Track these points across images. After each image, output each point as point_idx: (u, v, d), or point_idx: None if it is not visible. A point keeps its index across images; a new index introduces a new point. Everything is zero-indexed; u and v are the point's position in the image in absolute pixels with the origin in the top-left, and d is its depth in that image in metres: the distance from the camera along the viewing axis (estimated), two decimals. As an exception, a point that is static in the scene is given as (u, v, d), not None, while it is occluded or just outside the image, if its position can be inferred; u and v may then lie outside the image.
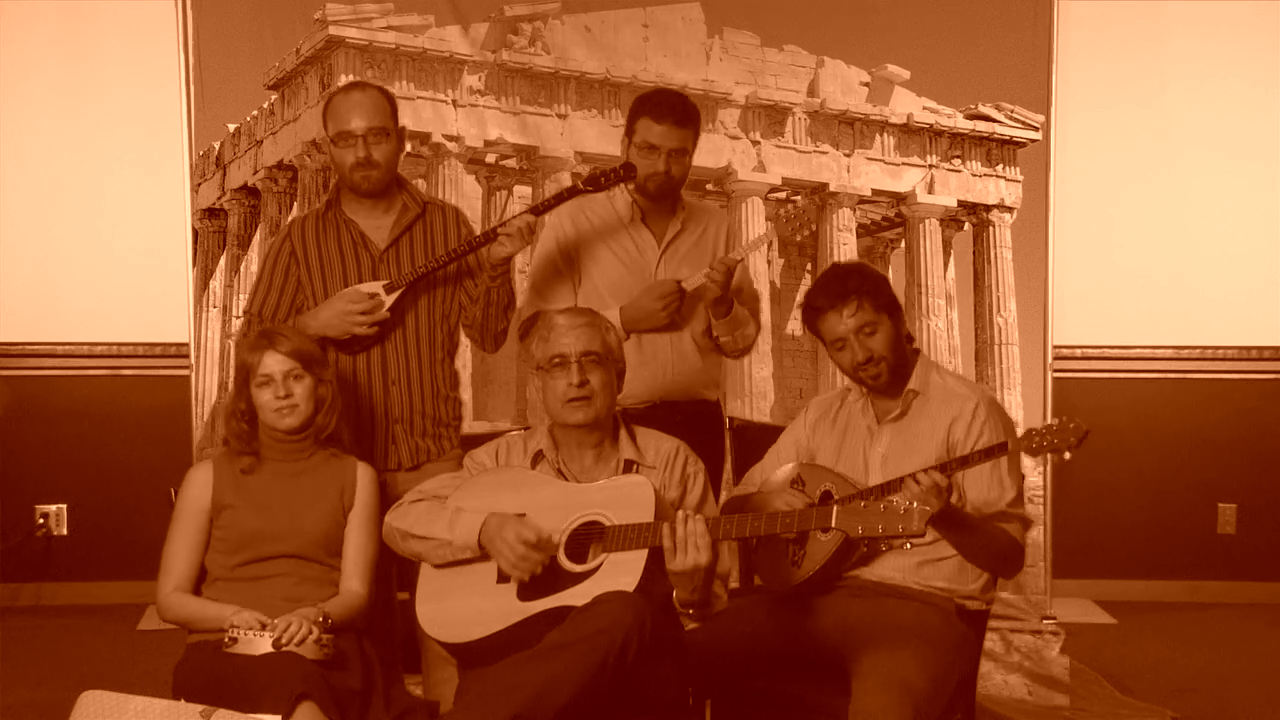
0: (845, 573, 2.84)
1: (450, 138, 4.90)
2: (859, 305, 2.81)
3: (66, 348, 5.00)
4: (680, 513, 2.53)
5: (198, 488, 2.85)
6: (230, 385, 2.91)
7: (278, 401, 2.80)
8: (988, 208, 5.15)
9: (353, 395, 3.09)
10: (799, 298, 5.26)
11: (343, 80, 4.72)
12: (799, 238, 5.10)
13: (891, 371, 2.85)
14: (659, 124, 3.22)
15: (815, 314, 2.86)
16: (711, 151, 4.92)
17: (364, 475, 2.90)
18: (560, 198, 3.19)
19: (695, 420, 3.33)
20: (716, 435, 3.41)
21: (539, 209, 3.15)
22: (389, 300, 3.05)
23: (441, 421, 3.18)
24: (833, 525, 2.47)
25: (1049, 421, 2.62)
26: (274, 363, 2.80)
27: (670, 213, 3.37)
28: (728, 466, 3.43)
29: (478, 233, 3.19)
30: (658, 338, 3.31)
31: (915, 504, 2.40)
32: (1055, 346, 4.86)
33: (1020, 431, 2.76)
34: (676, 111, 3.25)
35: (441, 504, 2.75)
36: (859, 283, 2.84)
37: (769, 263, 5.13)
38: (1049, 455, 2.60)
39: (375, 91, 3.10)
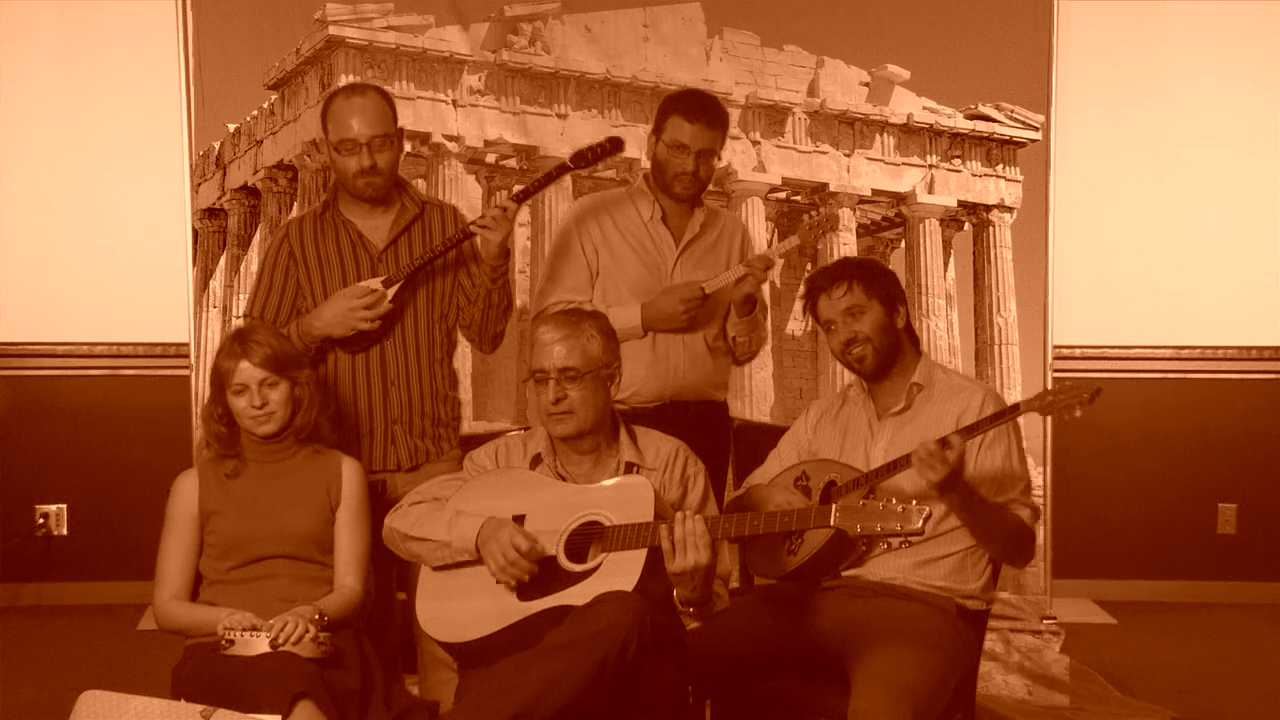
0: (844, 570, 2.85)
1: (450, 138, 4.90)
2: (849, 288, 2.86)
3: (66, 348, 4.99)
4: (679, 513, 2.53)
5: (184, 496, 2.85)
6: (209, 387, 2.91)
7: (253, 410, 2.81)
8: (988, 208, 5.14)
9: (351, 395, 3.10)
10: (799, 298, 5.26)
11: (343, 80, 4.72)
12: (820, 246, 5.09)
13: (877, 355, 2.87)
14: (691, 124, 3.22)
15: (812, 296, 2.92)
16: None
17: (349, 470, 2.90)
18: (550, 177, 3.12)
19: (703, 420, 3.34)
20: (723, 435, 3.40)
21: (527, 192, 3.12)
22: (389, 294, 3.05)
23: (440, 422, 3.18)
24: (832, 524, 2.47)
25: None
26: (248, 371, 2.80)
27: (689, 214, 3.38)
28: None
29: None
30: (671, 339, 3.31)
31: (914, 503, 2.41)
32: (1055, 346, 4.86)
33: (1023, 430, 2.78)
34: (709, 113, 3.25)
35: (440, 506, 2.75)
36: (856, 270, 2.90)
37: (769, 263, 5.13)
38: (1060, 413, 2.63)
39: (375, 95, 3.07)
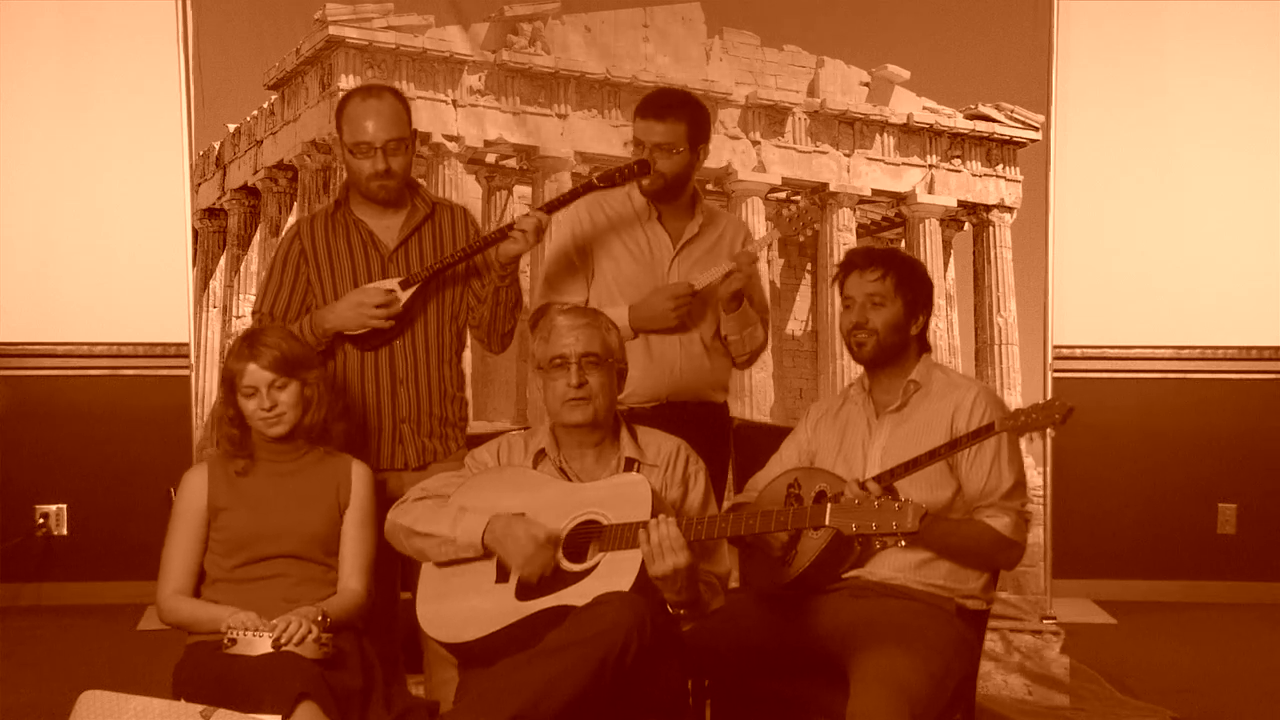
0: (843, 573, 2.84)
1: (450, 138, 4.91)
2: (882, 276, 2.88)
3: (66, 348, 4.99)
4: (652, 519, 2.53)
5: (193, 491, 2.85)
6: (218, 389, 2.91)
7: (263, 412, 2.81)
8: (988, 208, 5.15)
9: (359, 394, 3.09)
10: (799, 298, 5.27)
11: (343, 80, 4.73)
12: (800, 238, 5.10)
13: (879, 348, 2.88)
14: (642, 120, 3.24)
15: (846, 269, 2.94)
16: (712, 151, 4.90)
17: (359, 473, 2.90)
18: (575, 194, 3.18)
19: (701, 422, 3.32)
20: (722, 437, 3.39)
21: (553, 205, 3.14)
22: (404, 296, 3.05)
23: (448, 421, 3.18)
24: (826, 523, 2.46)
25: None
26: (257, 374, 2.80)
27: (688, 214, 3.36)
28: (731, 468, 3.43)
29: (485, 232, 3.18)
30: (666, 338, 3.30)
31: (909, 500, 2.41)
32: (1055, 346, 4.87)
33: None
34: (655, 106, 3.25)
35: (444, 502, 2.75)
36: (897, 262, 2.92)
37: (769, 263, 5.13)
38: (1035, 432, 2.69)
39: (391, 98, 3.06)
